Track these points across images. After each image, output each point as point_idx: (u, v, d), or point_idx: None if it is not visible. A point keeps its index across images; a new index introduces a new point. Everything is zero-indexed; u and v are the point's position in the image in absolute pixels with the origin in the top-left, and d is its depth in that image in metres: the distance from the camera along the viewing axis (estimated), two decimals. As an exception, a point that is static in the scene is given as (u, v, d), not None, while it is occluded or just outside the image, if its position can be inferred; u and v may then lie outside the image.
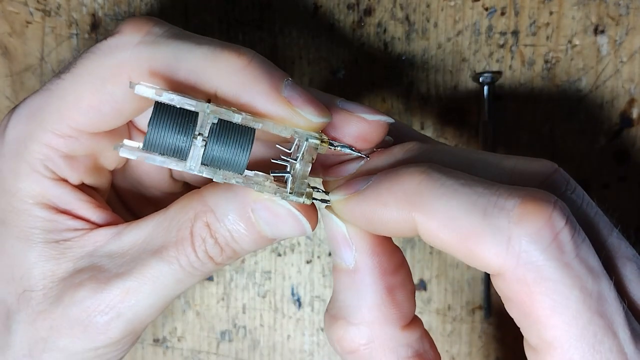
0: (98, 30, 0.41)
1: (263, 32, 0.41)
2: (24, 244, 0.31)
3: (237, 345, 0.43)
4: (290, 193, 0.28)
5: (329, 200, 0.29)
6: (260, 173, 0.29)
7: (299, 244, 0.43)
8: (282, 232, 0.30)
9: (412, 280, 0.29)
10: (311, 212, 0.30)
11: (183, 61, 0.28)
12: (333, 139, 0.29)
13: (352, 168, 0.30)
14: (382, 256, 0.28)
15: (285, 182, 0.29)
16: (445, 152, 0.28)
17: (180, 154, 0.27)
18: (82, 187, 0.32)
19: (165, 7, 0.41)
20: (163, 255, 0.30)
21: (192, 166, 0.27)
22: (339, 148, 0.29)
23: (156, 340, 0.43)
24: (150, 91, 0.26)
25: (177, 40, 0.29)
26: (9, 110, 0.42)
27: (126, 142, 0.27)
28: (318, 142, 0.28)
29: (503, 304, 0.25)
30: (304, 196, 0.29)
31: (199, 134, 0.27)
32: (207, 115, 0.27)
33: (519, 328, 0.25)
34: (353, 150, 0.29)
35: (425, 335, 0.29)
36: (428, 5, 0.41)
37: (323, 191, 0.30)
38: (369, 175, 0.27)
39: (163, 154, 0.27)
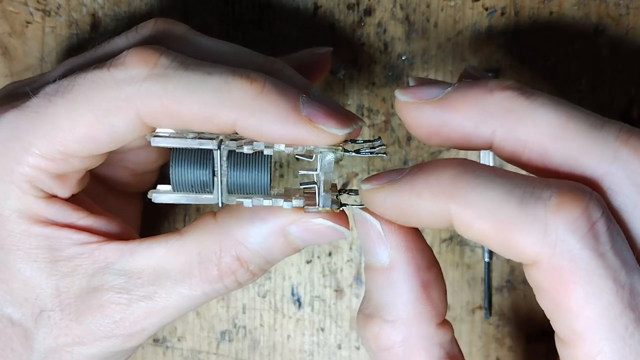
0: (98, 30, 0.41)
1: (263, 32, 0.41)
2: (31, 266, 0.30)
3: (237, 345, 0.43)
4: (319, 204, 0.29)
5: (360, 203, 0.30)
6: (285, 188, 0.31)
7: (299, 244, 0.43)
8: (318, 242, 0.31)
9: (444, 278, 0.29)
10: (342, 217, 0.31)
11: (196, 95, 0.28)
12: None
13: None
14: (416, 252, 0.28)
15: (313, 194, 0.30)
16: None
17: (206, 187, 0.29)
18: (71, 198, 0.32)
19: (165, 7, 0.41)
20: (185, 283, 0.31)
21: (218, 198, 0.29)
22: (353, 153, 0.29)
23: (156, 340, 0.43)
24: (168, 141, 0.29)
25: (187, 71, 0.28)
26: (8, 110, 0.42)
27: (160, 187, 0.30)
28: (332, 153, 0.29)
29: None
30: (332, 204, 0.29)
31: (220, 166, 0.29)
32: (221, 150, 0.29)
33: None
34: (372, 150, 0.29)
35: (454, 339, 0.29)
36: (428, 5, 0.41)
37: (348, 192, 0.31)
38: (402, 169, 0.28)
39: (192, 191, 0.30)
